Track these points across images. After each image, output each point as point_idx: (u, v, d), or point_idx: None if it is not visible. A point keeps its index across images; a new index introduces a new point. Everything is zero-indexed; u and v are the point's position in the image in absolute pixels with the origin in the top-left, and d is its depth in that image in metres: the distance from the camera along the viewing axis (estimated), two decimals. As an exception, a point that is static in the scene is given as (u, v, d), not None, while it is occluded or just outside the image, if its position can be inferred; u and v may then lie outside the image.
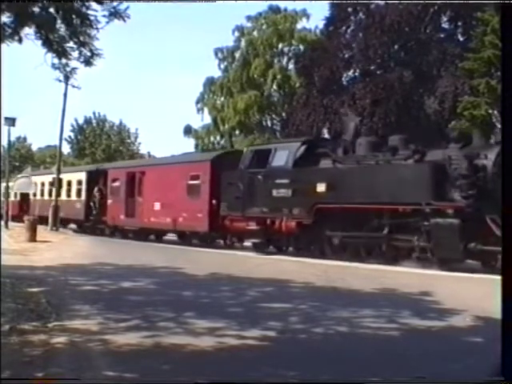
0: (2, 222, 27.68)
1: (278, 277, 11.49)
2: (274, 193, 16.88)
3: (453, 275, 12.47)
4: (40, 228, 23.19)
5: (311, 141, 17.95)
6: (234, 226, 18.16)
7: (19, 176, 32.80)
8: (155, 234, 23.58)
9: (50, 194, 29.57)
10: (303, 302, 8.71)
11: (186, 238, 21.60)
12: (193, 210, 20.03)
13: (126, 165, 28.88)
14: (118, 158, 49.02)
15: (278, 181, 16.85)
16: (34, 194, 32.17)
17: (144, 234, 23.49)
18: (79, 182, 28.24)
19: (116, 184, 25.04)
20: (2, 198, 32.29)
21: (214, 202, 19.15)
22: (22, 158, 61.13)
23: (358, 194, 14.79)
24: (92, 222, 26.61)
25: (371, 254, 14.87)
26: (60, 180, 28.55)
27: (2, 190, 32.71)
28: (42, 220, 28.92)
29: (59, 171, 28.82)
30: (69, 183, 29.23)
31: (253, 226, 17.41)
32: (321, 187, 15.65)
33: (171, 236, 23.19)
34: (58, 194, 28.08)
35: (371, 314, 7.74)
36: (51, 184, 29.53)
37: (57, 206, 27.46)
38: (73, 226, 29.92)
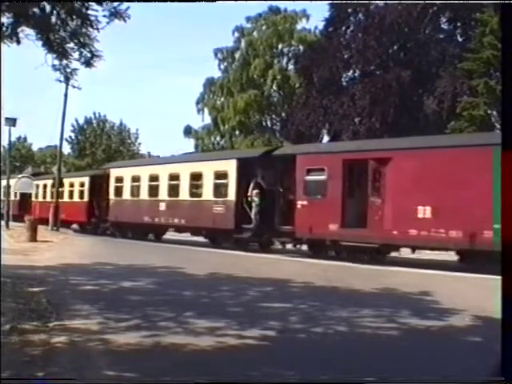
0: (3, 222, 27.68)
1: (278, 277, 11.53)
2: None
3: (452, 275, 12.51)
4: (40, 228, 23.16)
5: None
6: None
7: (20, 176, 32.75)
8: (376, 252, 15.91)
9: (173, 193, 21.78)
10: (303, 302, 8.74)
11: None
12: None
13: (336, 148, 19.28)
14: (118, 159, 48.91)
15: None
16: (119, 192, 24.78)
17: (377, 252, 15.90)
18: (220, 175, 20.00)
19: (315, 177, 17.31)
20: (2, 198, 32.13)
21: None
22: (22, 158, 61.13)
23: None
24: (249, 234, 18.86)
25: None
26: (175, 173, 21.80)
27: (12, 189, 31.46)
28: (145, 231, 23.22)
29: (60, 170, 28.88)
30: (194, 177, 21.09)
31: None
32: None
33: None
34: (174, 194, 21.53)
35: (370, 314, 7.77)
36: (172, 178, 21.91)
37: (57, 207, 27.57)
38: (183, 236, 22.67)
